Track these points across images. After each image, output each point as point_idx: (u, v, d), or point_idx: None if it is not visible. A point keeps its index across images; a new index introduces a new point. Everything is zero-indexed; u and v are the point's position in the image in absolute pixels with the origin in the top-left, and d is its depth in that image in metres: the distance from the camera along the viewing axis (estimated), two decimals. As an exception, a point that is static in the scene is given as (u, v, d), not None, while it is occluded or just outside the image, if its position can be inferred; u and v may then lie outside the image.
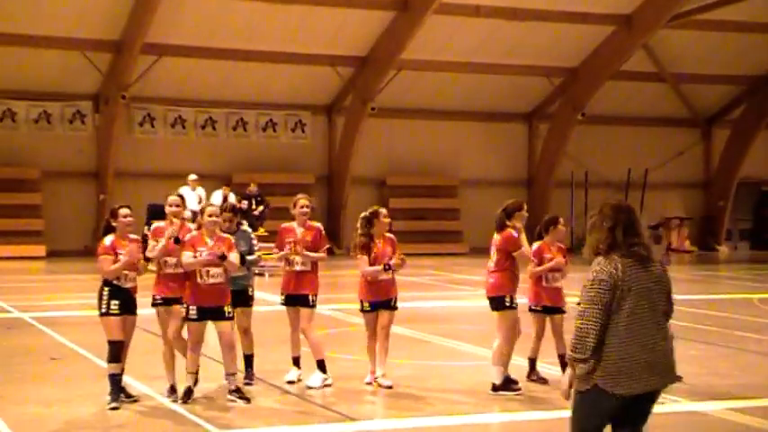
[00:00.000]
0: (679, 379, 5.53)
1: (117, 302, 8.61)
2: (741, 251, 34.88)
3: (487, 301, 9.56)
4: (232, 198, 23.90)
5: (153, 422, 8.34)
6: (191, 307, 8.78)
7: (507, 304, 9.32)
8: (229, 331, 8.95)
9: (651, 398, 5.29)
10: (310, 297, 9.58)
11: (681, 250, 33.75)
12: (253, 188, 24.58)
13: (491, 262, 9.48)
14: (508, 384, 9.26)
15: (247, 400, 8.84)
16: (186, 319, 8.86)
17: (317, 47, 28.56)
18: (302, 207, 9.71)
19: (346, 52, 29.24)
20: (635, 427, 5.34)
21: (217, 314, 8.82)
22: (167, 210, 9.26)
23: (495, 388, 9.24)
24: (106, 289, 8.65)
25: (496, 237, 9.49)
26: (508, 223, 9.41)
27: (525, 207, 9.62)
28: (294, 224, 9.74)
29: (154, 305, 9.09)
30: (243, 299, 9.45)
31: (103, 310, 8.64)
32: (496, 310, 9.41)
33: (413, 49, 28.34)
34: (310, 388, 9.38)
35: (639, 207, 33.01)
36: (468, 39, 29.12)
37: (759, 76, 33.55)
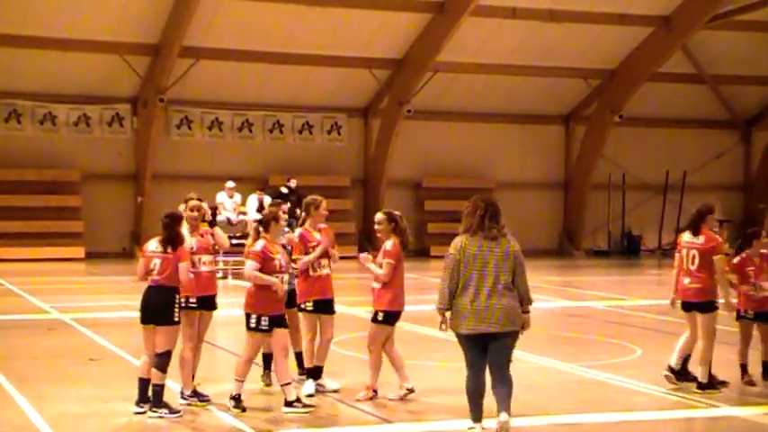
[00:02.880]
0: (519, 329, 7.49)
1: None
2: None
3: (682, 305, 9.71)
4: (267, 202, 23.89)
5: (190, 426, 8.38)
6: (263, 317, 8.53)
7: (717, 306, 9.57)
8: (287, 339, 8.81)
9: (495, 338, 7.39)
10: (334, 302, 9.51)
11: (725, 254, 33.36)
12: (292, 183, 23.92)
13: (693, 265, 9.56)
14: (714, 383, 9.57)
15: (312, 407, 8.67)
16: (257, 330, 8.57)
17: (353, 49, 28.60)
18: (325, 209, 9.57)
19: (382, 55, 29.26)
20: (494, 360, 7.48)
21: (281, 322, 8.72)
22: (189, 213, 8.92)
23: (701, 386, 9.50)
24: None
25: (695, 239, 9.62)
26: (703, 226, 9.60)
27: (716, 210, 9.83)
28: (307, 227, 9.47)
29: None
30: (293, 299, 9.37)
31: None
32: (704, 312, 9.55)
33: (449, 52, 28.30)
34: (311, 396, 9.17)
35: (678, 209, 32.74)
36: (505, 41, 29.03)
37: (800, 78, 33.14)
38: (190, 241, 8.80)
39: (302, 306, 9.39)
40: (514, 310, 7.46)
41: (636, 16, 28.92)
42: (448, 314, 7.55)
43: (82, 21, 26.11)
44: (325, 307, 9.38)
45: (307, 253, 9.33)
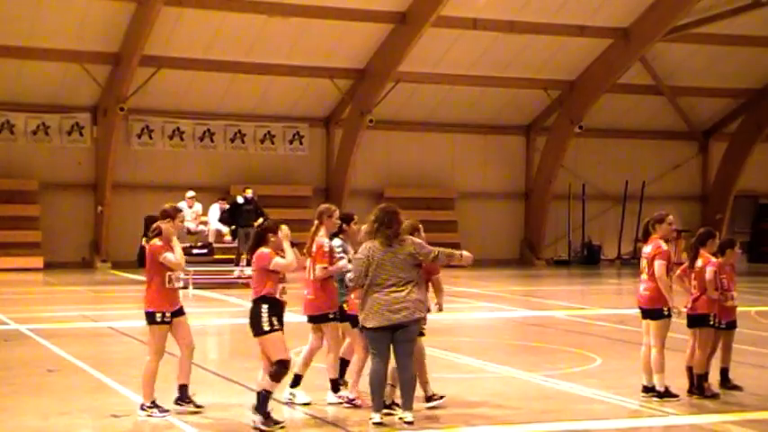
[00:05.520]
0: (417, 320, 8.34)
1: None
2: (739, 264, 34.81)
3: (639, 311, 9.86)
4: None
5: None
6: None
7: (666, 314, 9.63)
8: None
9: (400, 328, 8.21)
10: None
11: (677, 263, 33.72)
12: (249, 193, 23.74)
13: (644, 273, 9.73)
14: (669, 392, 9.59)
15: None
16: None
17: (315, 59, 28.62)
18: (338, 219, 9.38)
19: (344, 65, 29.32)
20: (398, 349, 8.30)
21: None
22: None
23: (659, 395, 9.53)
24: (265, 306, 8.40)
25: (645, 247, 9.81)
26: (654, 235, 9.75)
27: (670, 218, 9.90)
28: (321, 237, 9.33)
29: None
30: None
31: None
32: (653, 319, 9.67)
33: (411, 62, 28.42)
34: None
35: (637, 219, 33.05)
36: (466, 52, 29.20)
37: (756, 90, 33.64)
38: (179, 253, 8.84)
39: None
40: (420, 302, 8.34)
41: (595, 28, 29.22)
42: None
43: (41, 29, 25.88)
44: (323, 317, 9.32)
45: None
